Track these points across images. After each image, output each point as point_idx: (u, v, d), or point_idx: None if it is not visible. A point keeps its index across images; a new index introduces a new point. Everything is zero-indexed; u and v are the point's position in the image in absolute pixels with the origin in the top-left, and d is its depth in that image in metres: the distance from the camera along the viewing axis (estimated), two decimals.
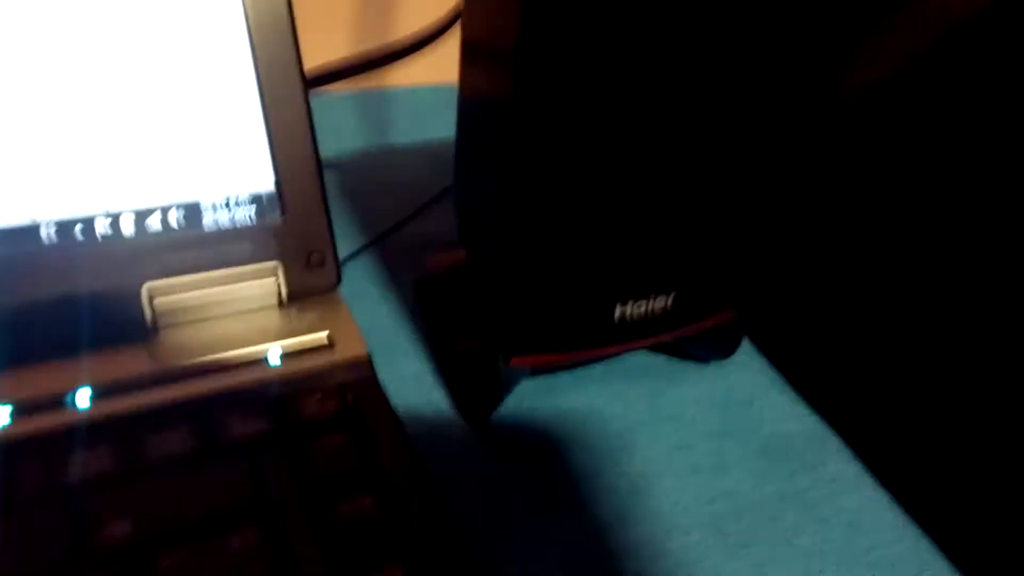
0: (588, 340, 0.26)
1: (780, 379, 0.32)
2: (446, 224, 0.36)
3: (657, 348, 0.32)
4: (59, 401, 0.22)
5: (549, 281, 0.24)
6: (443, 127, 0.46)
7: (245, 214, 0.25)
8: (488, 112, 0.24)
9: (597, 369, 0.31)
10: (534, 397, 0.29)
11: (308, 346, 0.25)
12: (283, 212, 0.26)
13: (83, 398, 0.22)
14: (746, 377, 0.31)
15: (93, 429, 0.21)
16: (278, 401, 0.23)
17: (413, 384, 0.29)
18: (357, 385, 0.24)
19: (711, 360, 0.32)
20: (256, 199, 0.25)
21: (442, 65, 0.48)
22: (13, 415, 0.21)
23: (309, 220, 0.26)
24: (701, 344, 0.31)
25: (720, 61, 0.22)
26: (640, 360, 0.31)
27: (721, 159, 0.24)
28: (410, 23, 0.51)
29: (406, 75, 0.51)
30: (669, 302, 0.27)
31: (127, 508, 0.20)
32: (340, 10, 0.48)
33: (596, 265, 0.25)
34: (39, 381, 0.22)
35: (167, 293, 0.24)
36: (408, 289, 0.33)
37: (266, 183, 0.25)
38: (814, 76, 0.25)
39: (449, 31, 0.36)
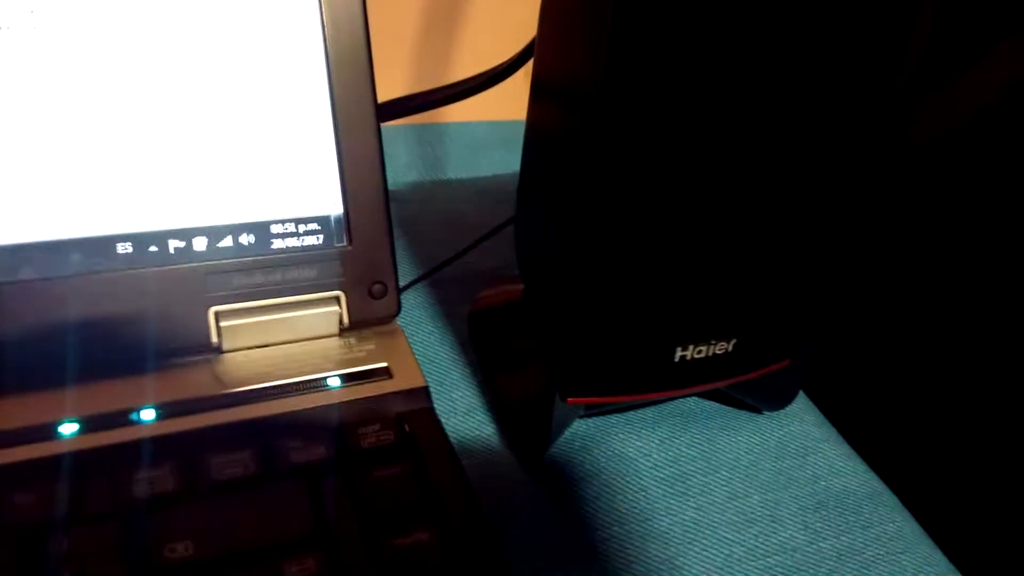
0: (647, 382, 0.26)
1: (834, 432, 0.31)
2: (501, 258, 0.36)
3: (711, 395, 0.32)
4: (125, 418, 0.22)
5: (610, 321, 0.24)
6: (496, 162, 0.47)
7: (312, 239, 0.26)
8: (557, 150, 0.24)
9: (650, 412, 0.30)
10: (586, 438, 0.29)
11: (367, 374, 0.25)
12: (349, 240, 0.26)
13: (148, 416, 0.22)
14: (800, 428, 0.31)
15: (157, 447, 0.22)
16: (337, 428, 0.23)
17: (465, 418, 0.29)
18: (415, 416, 0.24)
19: (765, 410, 0.31)
20: (324, 225, 0.26)
21: (493, 102, 0.49)
22: (80, 430, 0.22)
23: (374, 250, 0.26)
24: (756, 393, 0.30)
25: (788, 109, 0.22)
26: (693, 406, 0.31)
27: (785, 208, 0.24)
28: (466, 61, 0.52)
29: (458, 110, 0.52)
30: (729, 347, 0.26)
31: (188, 528, 0.20)
32: (398, 47, 0.49)
33: (658, 306, 0.24)
34: (105, 397, 0.23)
35: (233, 317, 0.25)
36: (462, 322, 0.33)
37: (334, 209, 0.26)
38: (879, 126, 0.25)
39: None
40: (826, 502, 0.28)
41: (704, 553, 0.25)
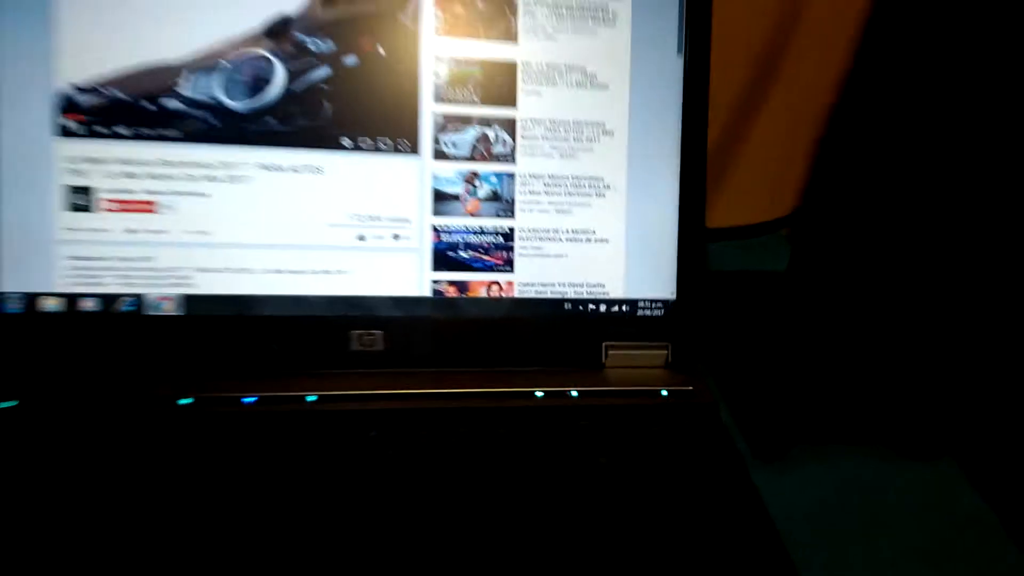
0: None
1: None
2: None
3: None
4: (566, 394, 0.43)
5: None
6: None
7: (658, 311, 0.46)
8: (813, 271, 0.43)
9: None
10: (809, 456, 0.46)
11: (684, 393, 0.44)
12: (678, 314, 0.46)
13: (574, 393, 0.43)
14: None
15: (577, 413, 0.42)
16: (668, 420, 0.42)
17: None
18: (711, 424, 0.43)
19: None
20: (666, 305, 0.46)
21: None
22: (544, 396, 0.43)
23: (691, 321, 0.46)
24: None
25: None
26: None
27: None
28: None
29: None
30: None
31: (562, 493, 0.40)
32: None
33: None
34: (554, 381, 0.44)
35: (614, 349, 0.45)
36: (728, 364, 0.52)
37: (672, 296, 0.46)
38: None
39: None
40: None
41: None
